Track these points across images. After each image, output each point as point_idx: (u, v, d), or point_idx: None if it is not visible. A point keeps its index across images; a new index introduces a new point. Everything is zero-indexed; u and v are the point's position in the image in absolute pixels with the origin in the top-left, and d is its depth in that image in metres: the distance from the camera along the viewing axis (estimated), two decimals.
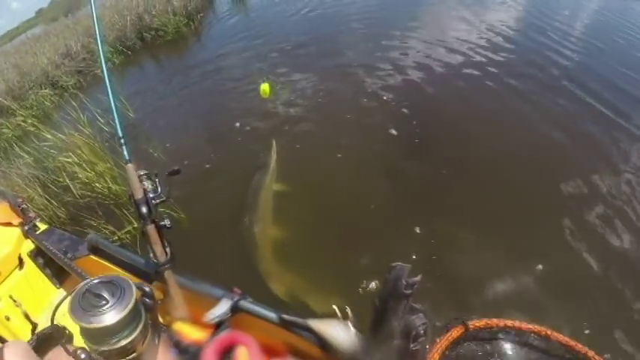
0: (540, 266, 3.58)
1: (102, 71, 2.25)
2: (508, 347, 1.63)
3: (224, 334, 1.70)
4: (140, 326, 0.97)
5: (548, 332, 1.61)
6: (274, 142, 5.16)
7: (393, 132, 5.36)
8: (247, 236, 4.10)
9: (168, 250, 1.96)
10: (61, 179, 5.11)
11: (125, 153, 2.03)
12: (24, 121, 7.48)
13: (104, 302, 0.89)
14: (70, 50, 9.87)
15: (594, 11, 9.36)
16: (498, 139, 5.07)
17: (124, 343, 0.93)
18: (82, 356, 0.93)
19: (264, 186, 4.60)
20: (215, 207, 4.58)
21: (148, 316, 1.06)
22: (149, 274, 2.12)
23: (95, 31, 2.43)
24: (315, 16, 10.39)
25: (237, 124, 6.00)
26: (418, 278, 1.34)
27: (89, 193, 4.83)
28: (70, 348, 0.98)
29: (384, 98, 6.15)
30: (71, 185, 4.91)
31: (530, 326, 1.66)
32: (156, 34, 10.68)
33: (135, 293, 0.94)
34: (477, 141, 5.06)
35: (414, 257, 3.70)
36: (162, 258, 1.93)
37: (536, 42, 7.73)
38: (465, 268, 3.61)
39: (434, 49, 7.55)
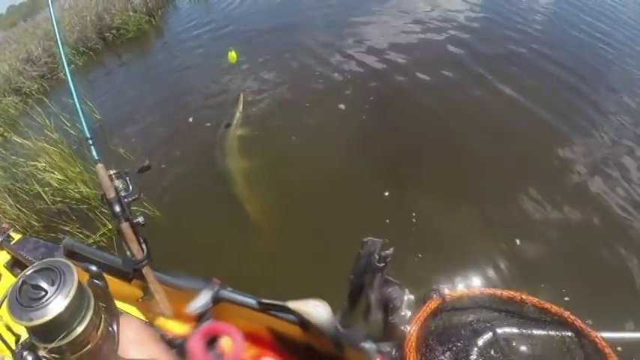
0: (509, 234, 3.71)
1: (65, 73, 2.26)
2: (484, 314, 1.62)
3: (207, 325, 1.72)
4: (90, 313, 0.86)
5: (523, 297, 1.64)
6: (242, 95, 5.77)
7: (357, 108, 5.53)
8: (222, 172, 4.74)
9: (144, 246, 1.97)
10: (31, 187, 5.05)
11: (94, 153, 2.06)
12: None
13: (43, 293, 0.79)
14: (31, 55, 9.66)
15: None
16: (461, 112, 5.22)
17: (73, 336, 0.83)
18: (29, 358, 0.83)
19: (229, 132, 5.27)
20: (186, 198, 4.69)
21: (99, 300, 0.94)
22: (128, 272, 2.10)
23: (55, 34, 2.45)
24: (277, 5, 10.45)
25: (191, 119, 6.14)
26: (391, 251, 1.38)
27: (61, 198, 4.79)
28: (14, 345, 0.88)
29: (347, 77, 6.31)
30: (42, 192, 4.85)
31: (505, 292, 1.70)
32: (117, 33, 10.52)
33: (76, 277, 0.83)
34: (440, 114, 5.22)
35: (387, 222, 3.87)
36: (139, 255, 1.94)
37: (498, 17, 7.98)
38: (436, 238, 3.75)
39: (394, 31, 7.67)
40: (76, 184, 4.76)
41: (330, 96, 5.87)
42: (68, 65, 2.32)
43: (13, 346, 0.87)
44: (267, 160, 4.87)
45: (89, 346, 0.87)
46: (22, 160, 5.53)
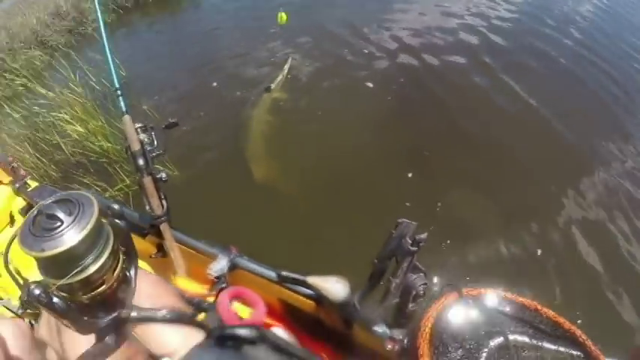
0: (532, 237, 3.64)
1: (97, 20, 2.18)
2: (499, 317, 1.49)
3: (234, 288, 1.60)
4: (107, 252, 0.77)
5: (538, 307, 1.59)
6: (290, 59, 5.85)
7: (388, 88, 5.45)
8: (245, 124, 4.86)
9: (164, 203, 1.92)
10: (51, 137, 5.03)
11: (122, 104, 1.99)
12: (13, 81, 7.35)
13: (59, 223, 0.70)
14: (59, 9, 9.60)
15: None
16: (497, 105, 5.12)
17: (89, 272, 0.74)
18: (36, 292, 0.70)
19: (267, 94, 5.39)
20: (208, 162, 4.60)
21: (119, 241, 0.84)
22: (143, 228, 2.04)
23: None
24: None
25: (215, 84, 6.08)
26: (425, 236, 1.31)
27: (81, 150, 4.77)
28: (25, 284, 0.77)
29: (383, 56, 6.19)
30: (62, 143, 4.84)
31: (521, 299, 1.67)
32: None
33: (96, 210, 0.74)
34: (474, 103, 5.11)
35: (407, 205, 3.81)
36: (158, 211, 1.89)
37: (541, 15, 7.74)
38: (457, 228, 3.66)
39: (434, 15, 7.53)
40: (97, 138, 4.73)
41: (362, 73, 5.79)
42: (101, 11, 2.26)
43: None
44: (293, 127, 4.86)
45: (103, 287, 0.77)
46: (44, 110, 5.53)
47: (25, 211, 2.69)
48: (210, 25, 8.30)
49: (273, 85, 5.48)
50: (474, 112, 4.97)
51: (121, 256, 0.83)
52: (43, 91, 5.64)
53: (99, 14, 2.23)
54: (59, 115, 5.07)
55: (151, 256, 2.09)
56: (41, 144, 5.11)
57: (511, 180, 4.13)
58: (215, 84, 6.04)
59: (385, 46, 6.43)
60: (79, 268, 0.72)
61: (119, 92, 2.04)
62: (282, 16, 5.41)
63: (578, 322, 1.48)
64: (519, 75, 5.66)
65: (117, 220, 0.83)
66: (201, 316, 1.38)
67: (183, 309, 1.32)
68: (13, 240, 0.78)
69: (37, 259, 0.70)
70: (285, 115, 5.10)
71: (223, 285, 1.70)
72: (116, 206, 0.86)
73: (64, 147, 4.82)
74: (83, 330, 0.77)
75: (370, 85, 5.52)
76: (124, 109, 1.96)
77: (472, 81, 5.53)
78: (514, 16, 7.56)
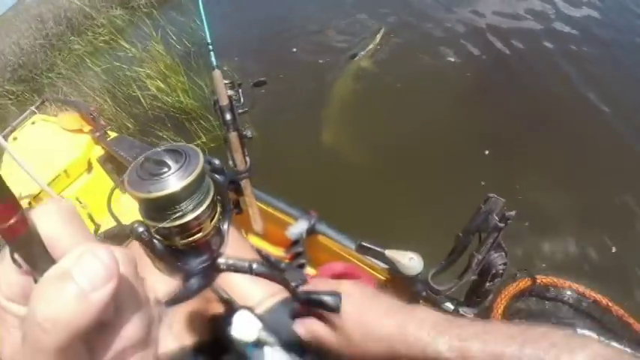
0: (610, 233, 3.37)
1: None
2: (567, 310, 1.61)
3: (344, 265, 1.65)
4: (207, 201, 0.72)
5: (610, 304, 1.61)
6: (383, 29, 5.52)
7: (475, 63, 5.14)
8: (326, 90, 4.84)
9: (247, 159, 1.82)
10: (131, 91, 5.09)
11: (213, 59, 1.93)
12: (95, 38, 7.52)
13: (166, 169, 0.64)
14: None
15: None
16: (583, 97, 4.74)
17: (188, 218, 0.69)
18: (140, 229, 0.66)
19: (354, 61, 5.22)
20: (286, 125, 4.57)
21: (217, 194, 0.80)
22: (224, 175, 1.95)
23: None
24: None
25: (295, 49, 5.95)
26: (513, 213, 1.30)
27: (159, 105, 4.81)
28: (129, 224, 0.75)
29: (473, 30, 5.85)
30: (141, 97, 4.89)
31: (592, 294, 1.67)
32: None
33: (202, 162, 0.68)
34: (560, 93, 4.77)
35: (482, 184, 3.60)
36: (241, 167, 1.81)
37: None
38: (534, 214, 3.42)
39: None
40: (177, 93, 4.74)
41: (447, 50, 5.43)
42: None
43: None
44: (373, 96, 4.70)
45: (200, 235, 0.73)
46: (125, 65, 5.60)
47: (103, 160, 2.86)
48: None
49: (362, 53, 5.32)
50: (559, 101, 4.66)
51: (218, 208, 0.80)
52: (127, 45, 5.75)
53: None
54: (140, 69, 5.12)
55: (232, 207, 2.01)
56: (120, 97, 5.18)
57: (592, 174, 3.83)
58: (295, 49, 5.92)
59: (473, 24, 6.11)
60: (179, 213, 0.69)
61: (211, 47, 1.94)
62: None
63: None
64: (615, 71, 5.30)
65: (217, 175, 0.78)
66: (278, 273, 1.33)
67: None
68: (116, 186, 0.72)
69: (141, 201, 0.68)
70: (366, 83, 4.95)
71: (300, 249, 1.75)
72: (217, 162, 0.81)
73: (142, 101, 4.86)
74: (174, 274, 0.75)
75: (453, 60, 5.23)
76: (214, 63, 1.86)
77: (560, 69, 5.20)
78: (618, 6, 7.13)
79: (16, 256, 0.36)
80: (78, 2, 8.54)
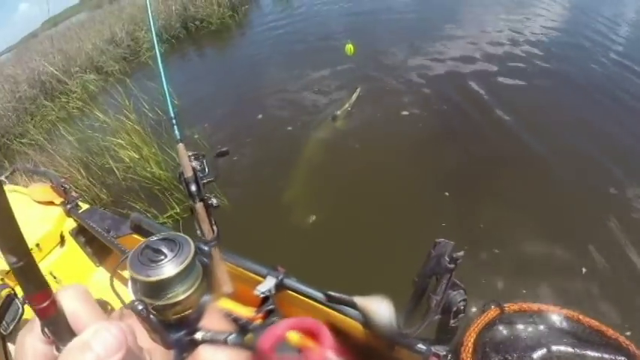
0: (573, 260, 3.55)
1: (153, 47, 2.20)
2: (539, 331, 1.49)
3: (295, 320, 1.65)
4: (197, 283, 0.88)
5: (580, 317, 1.62)
6: (359, 89, 5.78)
7: (430, 111, 5.44)
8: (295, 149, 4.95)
9: (215, 228, 1.90)
10: (104, 161, 5.11)
11: (176, 132, 2.00)
12: (68, 104, 7.57)
13: (162, 257, 0.82)
14: (114, 37, 9.99)
15: None
16: (546, 134, 4.99)
17: (181, 297, 0.85)
18: (139, 307, 0.81)
19: (330, 122, 5.46)
20: (256, 193, 4.61)
21: (205, 275, 0.99)
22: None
23: (147, 10, 2.40)
24: (357, 13, 10.40)
25: (260, 116, 6.14)
26: (461, 254, 1.34)
27: (132, 176, 4.82)
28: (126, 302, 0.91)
29: (426, 81, 6.17)
30: (115, 168, 4.91)
31: (563, 311, 1.68)
32: (200, 25, 10.79)
33: (193, 251, 0.85)
34: (518, 130, 5.03)
35: (443, 225, 3.77)
36: (209, 236, 1.88)
37: (584, 39, 7.66)
38: (494, 248, 3.61)
39: (477, 43, 7.56)
40: (149, 164, 4.77)
41: (405, 97, 5.79)
42: (158, 42, 2.26)
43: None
44: (339, 151, 4.94)
45: (190, 311, 0.88)
46: (98, 135, 5.62)
47: (75, 233, 2.79)
48: (255, 59, 8.49)
49: (338, 113, 5.54)
50: (514, 138, 4.93)
51: (205, 289, 0.93)
52: (101, 115, 5.74)
53: (156, 46, 2.27)
54: (114, 139, 5.13)
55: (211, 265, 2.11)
56: (93, 167, 5.18)
57: (550, 205, 4.03)
58: (260, 116, 6.13)
59: (431, 73, 6.44)
60: (173, 294, 0.84)
61: (174, 121, 2.05)
62: (350, 47, 5.50)
63: (626, 333, 1.43)
64: (567, 106, 5.59)
65: (204, 259, 0.95)
66: (247, 337, 1.39)
67: (232, 330, 1.36)
68: (118, 265, 0.90)
69: (141, 283, 0.82)
70: (335, 143, 5.13)
71: (271, 306, 1.73)
72: (206, 248, 0.98)
73: (116, 171, 4.88)
74: (167, 344, 0.88)
75: (415, 111, 5.53)
76: (178, 137, 1.95)
77: (514, 108, 5.49)
78: (566, 45, 7.54)
79: (46, 330, 0.48)
80: (51, 68, 8.62)
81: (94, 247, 2.81)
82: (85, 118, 6.44)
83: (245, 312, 1.94)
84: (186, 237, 0.88)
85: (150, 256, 0.81)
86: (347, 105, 5.64)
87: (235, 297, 1.94)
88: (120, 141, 5.08)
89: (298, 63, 7.67)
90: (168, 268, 0.81)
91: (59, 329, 0.50)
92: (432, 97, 5.85)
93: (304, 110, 6.05)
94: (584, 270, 3.44)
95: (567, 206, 3.98)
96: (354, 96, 5.73)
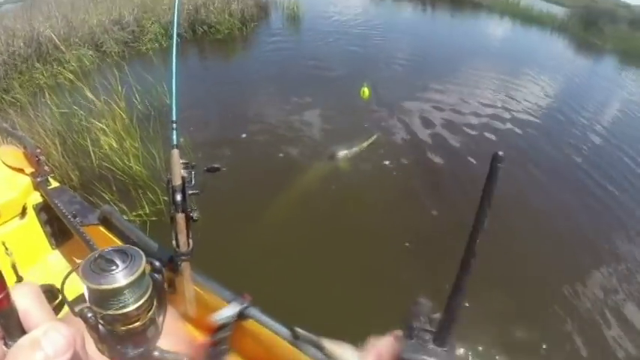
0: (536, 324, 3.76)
1: (170, 47, 2.21)
2: None
3: None
4: (146, 296, 0.91)
5: None
6: (375, 135, 5.96)
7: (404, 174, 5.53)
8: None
9: (191, 242, 1.94)
10: (83, 142, 5.02)
11: (174, 137, 2.04)
12: (60, 73, 7.46)
13: (114, 267, 0.85)
14: (122, 19, 9.91)
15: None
16: (507, 200, 5.21)
17: (129, 309, 0.88)
18: (89, 315, 0.85)
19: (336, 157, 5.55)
20: (234, 214, 4.58)
21: (155, 290, 0.98)
22: (161, 260, 2.04)
23: (175, 7, 2.49)
24: (360, 53, 10.85)
25: (244, 135, 6.26)
26: (438, 315, 1.36)
27: (108, 165, 4.73)
28: (76, 307, 0.94)
29: (405, 150, 6.31)
30: (92, 152, 4.83)
31: None
32: (208, 30, 10.91)
33: (144, 264, 0.89)
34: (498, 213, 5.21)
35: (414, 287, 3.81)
36: (184, 248, 1.91)
37: (570, 123, 8.37)
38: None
39: (460, 110, 8.00)
40: (128, 157, 4.71)
41: (387, 162, 5.87)
42: (177, 44, 2.28)
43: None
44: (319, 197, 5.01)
45: (138, 323, 0.91)
46: (84, 113, 5.54)
47: (39, 208, 2.70)
48: (254, 77, 8.60)
49: (346, 152, 5.63)
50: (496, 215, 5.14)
51: (155, 302, 0.97)
52: (90, 94, 5.58)
53: (174, 49, 2.26)
54: (98, 123, 5.04)
55: (165, 281, 2.08)
56: (71, 145, 5.11)
57: (516, 273, 4.27)
58: (244, 135, 6.22)
59: (416, 137, 6.66)
60: (122, 304, 0.86)
61: (174, 125, 2.09)
62: (365, 91, 5.59)
63: None
64: (535, 175, 6.05)
65: (155, 275, 0.98)
66: None
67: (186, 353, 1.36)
68: (70, 273, 0.88)
69: (91, 291, 0.84)
70: (331, 182, 5.26)
71: (225, 334, 1.70)
72: (157, 263, 1.02)
73: (93, 156, 4.81)
74: (113, 355, 0.89)
75: (394, 173, 5.67)
76: (175, 142, 2.01)
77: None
78: (533, 118, 8.23)
79: None
80: (51, 32, 8.50)
81: (54, 227, 2.72)
82: (74, 93, 6.29)
83: (198, 335, 1.90)
84: (139, 250, 0.93)
85: (102, 265, 0.86)
86: (357, 148, 5.71)
87: (196, 320, 1.91)
88: (103, 126, 4.99)
89: (293, 90, 7.84)
90: (119, 277, 0.84)
91: (10, 324, 0.52)
92: (422, 153, 6.12)
93: (291, 138, 6.18)
94: (544, 346, 3.58)
95: (529, 283, 4.17)
96: (369, 141, 5.83)
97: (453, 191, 5.40)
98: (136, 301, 0.89)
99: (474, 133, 7.05)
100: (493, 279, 3.93)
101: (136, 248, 0.93)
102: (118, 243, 2.31)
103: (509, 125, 7.61)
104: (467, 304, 3.79)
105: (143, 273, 0.90)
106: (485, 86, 9.43)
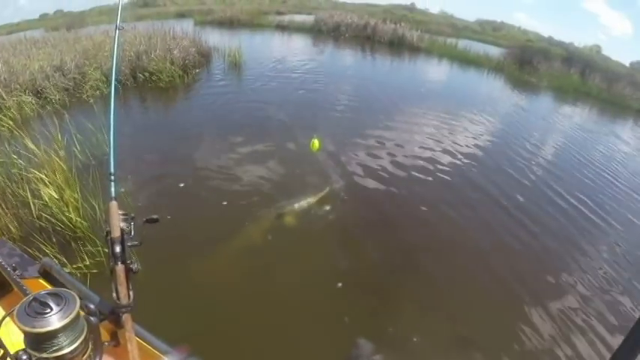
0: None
1: (109, 100, 2.22)
2: None
3: None
4: (81, 338, 1.04)
5: None
6: (328, 189, 5.99)
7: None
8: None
9: (131, 293, 1.92)
10: (22, 192, 5.01)
11: (112, 190, 2.03)
12: (0, 120, 7.35)
13: (49, 310, 0.96)
14: (63, 65, 9.89)
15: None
16: (444, 236, 5.86)
17: (64, 351, 0.99)
18: (24, 357, 0.95)
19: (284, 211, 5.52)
20: (176, 265, 4.60)
21: (90, 333, 1.13)
22: (102, 312, 2.13)
23: (112, 59, 2.42)
24: (299, 101, 11.15)
25: (182, 184, 6.30)
26: (379, 357, 1.48)
27: (48, 216, 4.74)
28: (11, 351, 1.00)
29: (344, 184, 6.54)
30: (32, 203, 4.83)
31: None
32: (149, 77, 11.02)
33: (78, 306, 1.02)
34: (426, 237, 5.84)
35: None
36: (124, 300, 1.91)
37: (500, 158, 9.15)
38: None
39: (398, 152, 8.49)
40: (68, 209, 4.75)
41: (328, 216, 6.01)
42: (115, 93, 2.28)
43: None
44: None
45: None
46: (22, 163, 5.52)
47: None
48: (194, 126, 8.69)
49: (296, 206, 5.70)
50: (426, 244, 5.66)
51: (90, 345, 1.13)
52: (30, 143, 5.62)
53: (112, 96, 2.26)
54: (38, 173, 5.03)
55: (103, 344, 2.19)
56: (10, 196, 5.08)
57: (455, 307, 4.53)
58: (182, 185, 6.29)
59: (349, 177, 6.91)
60: (57, 347, 0.98)
61: (112, 177, 2.08)
62: (315, 144, 5.55)
63: None
64: (473, 211, 6.56)
65: (91, 317, 1.14)
66: None
67: None
68: (5, 317, 1.02)
69: (26, 334, 0.96)
70: (273, 235, 5.32)
71: None
72: (92, 306, 1.15)
73: (32, 207, 4.81)
74: None
75: (337, 223, 5.81)
76: (113, 194, 2.01)
77: (425, 214, 6.28)
78: (482, 153, 9.08)
79: None
80: None
81: None
82: (13, 141, 6.24)
83: None
84: (73, 293, 1.08)
85: (36, 308, 0.98)
86: (305, 202, 5.78)
87: None
88: (43, 176, 4.97)
89: (236, 136, 8.04)
90: (53, 320, 0.96)
91: None
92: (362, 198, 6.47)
93: (233, 186, 6.32)
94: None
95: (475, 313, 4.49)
96: (319, 195, 5.90)
97: (389, 236, 5.73)
98: (71, 343, 1.03)
99: (416, 177, 7.51)
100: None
101: (70, 291, 1.08)
102: None
103: (446, 168, 8.11)
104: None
105: (77, 315, 1.05)
106: (424, 129, 10.02)
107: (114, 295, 2.00)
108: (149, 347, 1.96)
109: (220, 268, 4.67)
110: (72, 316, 1.01)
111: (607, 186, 9.06)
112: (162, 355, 1.87)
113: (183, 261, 4.68)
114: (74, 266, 4.28)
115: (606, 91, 20.33)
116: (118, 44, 2.44)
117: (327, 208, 5.98)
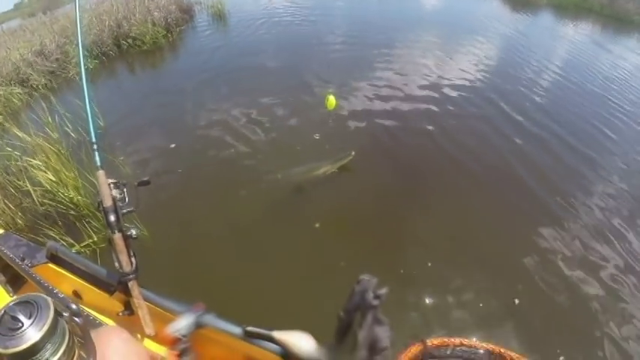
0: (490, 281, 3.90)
1: (80, 73, 2.21)
2: None
3: None
4: (63, 347, 0.92)
5: (502, 350, 1.74)
6: (353, 153, 5.37)
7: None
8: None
9: (133, 260, 1.96)
10: (22, 183, 4.97)
11: (97, 159, 2.04)
12: None
13: (20, 325, 0.86)
14: (44, 49, 9.62)
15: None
16: (457, 165, 5.68)
17: None
18: None
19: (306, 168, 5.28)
20: (179, 225, 4.60)
21: (76, 336, 1.00)
22: (111, 284, 2.10)
23: (77, 31, 2.40)
24: (292, 45, 10.71)
25: (173, 145, 6.15)
26: (385, 291, 1.39)
27: (50, 201, 4.70)
28: None
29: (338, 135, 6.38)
30: (32, 190, 4.78)
31: (484, 344, 1.77)
32: (133, 43, 10.65)
33: (52, 312, 0.90)
34: (438, 164, 5.70)
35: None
36: (127, 268, 1.93)
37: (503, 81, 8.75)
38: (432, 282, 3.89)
39: (401, 83, 8.27)
40: (68, 189, 4.69)
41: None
42: (85, 66, 2.29)
43: None
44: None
45: None
46: (18, 153, 5.46)
47: None
48: (184, 84, 8.43)
49: (321, 170, 5.26)
50: (438, 172, 5.58)
51: (76, 349, 0.98)
52: (20, 132, 5.58)
53: (83, 73, 2.26)
54: (32, 161, 4.98)
55: (118, 314, 2.14)
56: (10, 188, 5.03)
57: (468, 234, 4.47)
58: (173, 145, 6.15)
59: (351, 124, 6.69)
60: None
61: (95, 146, 2.09)
62: (331, 101, 5.09)
63: None
64: (476, 138, 6.40)
65: (74, 318, 1.00)
66: None
67: None
68: None
69: (2, 355, 0.85)
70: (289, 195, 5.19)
71: (185, 345, 1.71)
72: (74, 306, 1.01)
73: (33, 195, 4.75)
74: None
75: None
76: (98, 163, 2.01)
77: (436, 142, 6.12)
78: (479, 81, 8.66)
79: None
80: None
81: (8, 275, 2.67)
82: (6, 135, 6.17)
83: (160, 350, 2.01)
84: (44, 296, 0.93)
85: (8, 324, 0.87)
86: (329, 167, 5.28)
87: (156, 337, 1.99)
88: (37, 162, 4.93)
89: (227, 94, 7.76)
90: (29, 335, 0.86)
91: None
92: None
93: (226, 146, 6.10)
94: (516, 301, 3.76)
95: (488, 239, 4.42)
96: (341, 161, 5.36)
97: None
98: (54, 353, 0.92)
99: (420, 108, 7.34)
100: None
101: (42, 295, 0.93)
102: (70, 277, 2.37)
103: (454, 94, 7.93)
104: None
105: (55, 321, 0.93)
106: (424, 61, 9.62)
107: (116, 264, 1.94)
108: (164, 310, 1.96)
109: (222, 230, 4.56)
110: (47, 325, 0.89)
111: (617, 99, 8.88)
112: (177, 315, 1.83)
113: (188, 219, 4.68)
114: (82, 244, 4.21)
115: (609, 6, 19.26)
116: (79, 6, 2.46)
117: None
